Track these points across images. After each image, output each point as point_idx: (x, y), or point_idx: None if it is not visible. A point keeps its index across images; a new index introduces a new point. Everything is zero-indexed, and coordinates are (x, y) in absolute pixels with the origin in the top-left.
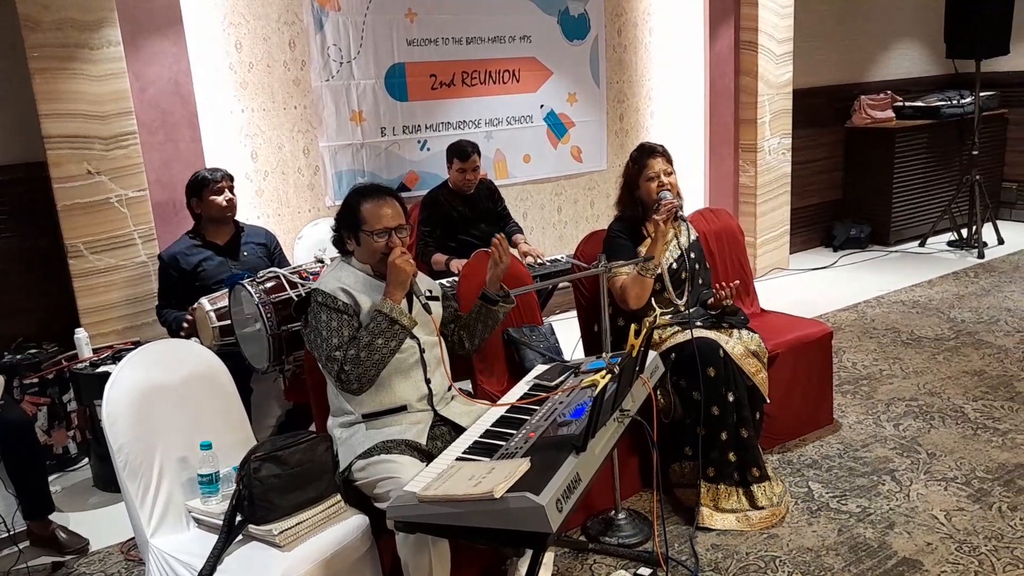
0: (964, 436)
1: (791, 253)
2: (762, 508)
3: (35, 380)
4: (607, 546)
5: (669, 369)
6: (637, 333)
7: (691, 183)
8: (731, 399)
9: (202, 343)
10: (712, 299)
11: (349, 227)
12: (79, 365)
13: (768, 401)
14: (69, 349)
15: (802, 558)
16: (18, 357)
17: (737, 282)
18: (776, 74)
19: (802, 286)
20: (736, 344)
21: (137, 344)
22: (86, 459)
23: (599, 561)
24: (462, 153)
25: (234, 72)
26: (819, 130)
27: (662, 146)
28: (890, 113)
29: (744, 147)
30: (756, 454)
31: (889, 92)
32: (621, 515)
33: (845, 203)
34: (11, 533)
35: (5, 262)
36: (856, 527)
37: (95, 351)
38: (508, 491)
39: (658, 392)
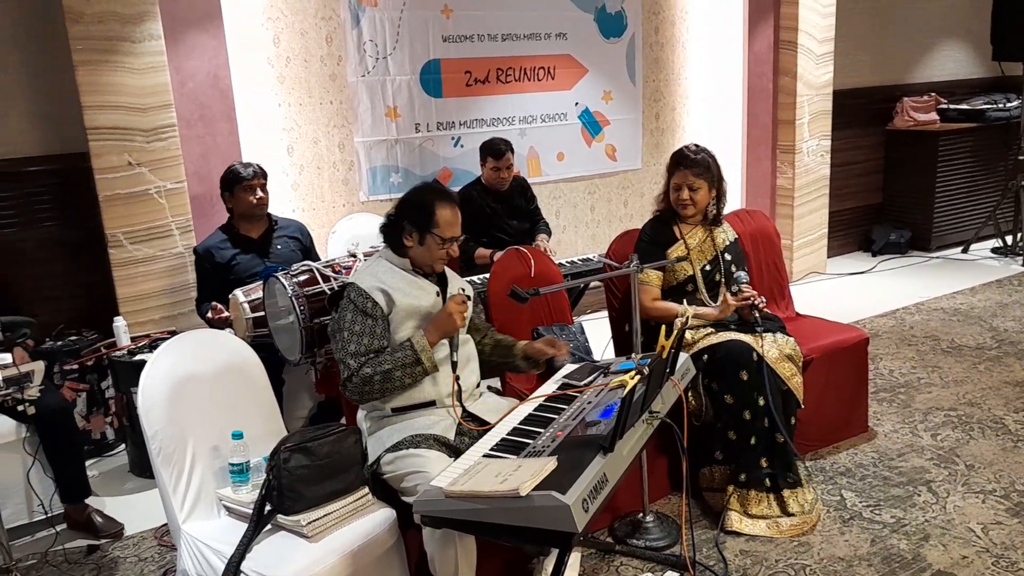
0: (1004, 448)
1: (829, 257)
2: (793, 515)
3: (75, 367)
4: (634, 548)
5: (701, 371)
6: (668, 334)
7: (728, 184)
8: (763, 403)
9: (236, 334)
10: (739, 295)
11: (418, 225)
12: (117, 353)
13: (803, 406)
14: (108, 337)
15: (833, 568)
16: (59, 344)
17: (761, 299)
18: (816, 74)
19: (839, 291)
20: (771, 347)
21: (173, 333)
22: (123, 445)
23: (625, 563)
24: (496, 151)
25: (272, 66)
26: (859, 132)
27: (702, 155)
28: (934, 116)
29: (782, 148)
30: (789, 459)
31: (933, 94)
32: (649, 518)
33: (885, 207)
34: (49, 516)
35: (48, 250)
36: (890, 538)
37: (133, 339)
38: (534, 489)
39: (689, 394)
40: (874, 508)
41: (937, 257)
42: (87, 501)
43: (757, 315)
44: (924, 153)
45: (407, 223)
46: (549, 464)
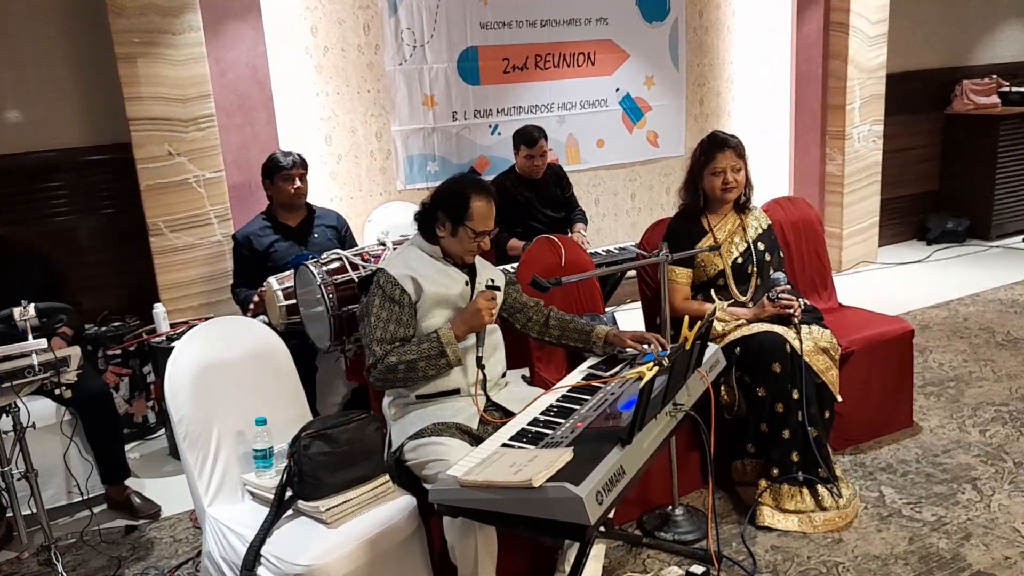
0: None
1: (880, 246)
2: (827, 510)
3: (118, 352)
4: (662, 541)
5: (734, 363)
6: (691, 325)
7: (775, 171)
8: (796, 396)
9: (270, 321)
10: (777, 303)
11: (452, 216)
12: (157, 339)
13: (839, 400)
14: (150, 323)
15: (867, 566)
16: (102, 329)
17: (800, 308)
18: (868, 57)
19: (890, 281)
20: (806, 340)
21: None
22: (163, 429)
23: (652, 556)
24: (529, 139)
25: (310, 56)
26: (915, 117)
27: (736, 138)
28: (995, 99)
29: (832, 134)
30: (824, 454)
31: (994, 77)
32: (678, 511)
33: (942, 194)
34: (85, 498)
35: (93, 238)
36: (929, 536)
37: (172, 326)
38: (548, 481)
39: (722, 387)
40: (914, 505)
41: (996, 246)
42: (126, 483)
43: (795, 322)
44: (984, 138)
45: (441, 213)
46: (564, 455)
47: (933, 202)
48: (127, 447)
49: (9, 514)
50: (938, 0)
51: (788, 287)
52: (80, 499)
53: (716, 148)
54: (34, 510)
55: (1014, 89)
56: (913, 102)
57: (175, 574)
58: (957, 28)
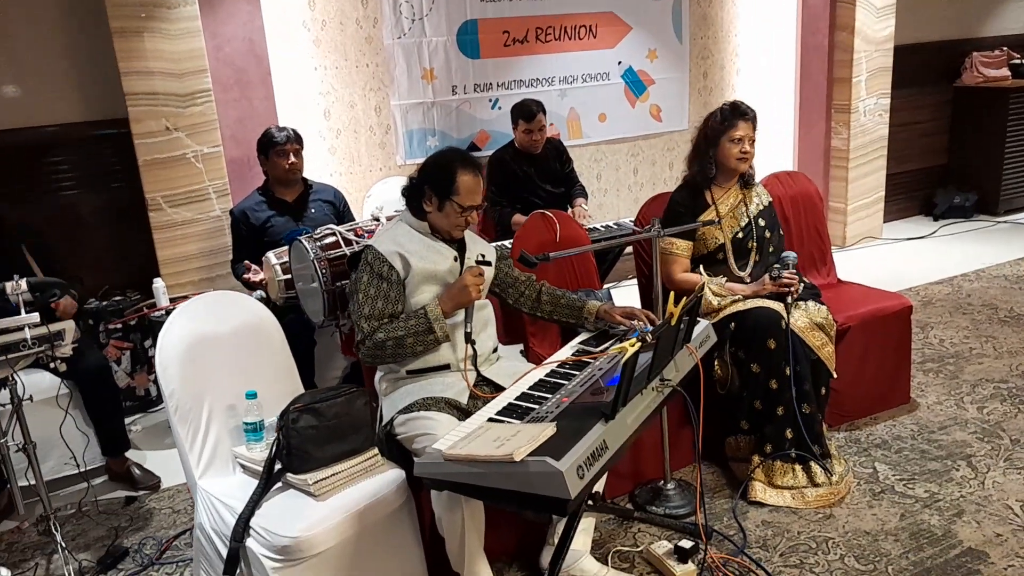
0: None
1: (886, 222)
2: (819, 486)
3: (118, 326)
4: (653, 515)
5: (728, 339)
6: (677, 301)
7: (779, 145)
8: (789, 373)
9: (269, 296)
10: (778, 282)
11: (438, 190)
12: (156, 313)
13: (835, 376)
14: (151, 297)
15: (857, 541)
16: (103, 304)
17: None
18: (876, 29)
19: (895, 257)
20: (801, 316)
21: None
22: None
23: (643, 530)
24: (527, 113)
25: (307, 30)
26: (923, 90)
27: (753, 111)
28: (1005, 71)
29: (837, 108)
30: (818, 431)
31: (1005, 48)
32: (670, 485)
33: (949, 169)
34: (81, 470)
35: (93, 214)
36: (921, 513)
37: (172, 300)
38: (529, 455)
39: (716, 362)
40: (907, 482)
41: (1004, 222)
42: (127, 455)
43: (789, 299)
44: (993, 112)
45: (428, 188)
46: (547, 430)
47: (940, 177)
48: (129, 420)
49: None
50: None
51: (794, 270)
52: (83, 469)
53: (737, 116)
54: (33, 482)
55: None
56: (921, 75)
57: (173, 544)
58: None
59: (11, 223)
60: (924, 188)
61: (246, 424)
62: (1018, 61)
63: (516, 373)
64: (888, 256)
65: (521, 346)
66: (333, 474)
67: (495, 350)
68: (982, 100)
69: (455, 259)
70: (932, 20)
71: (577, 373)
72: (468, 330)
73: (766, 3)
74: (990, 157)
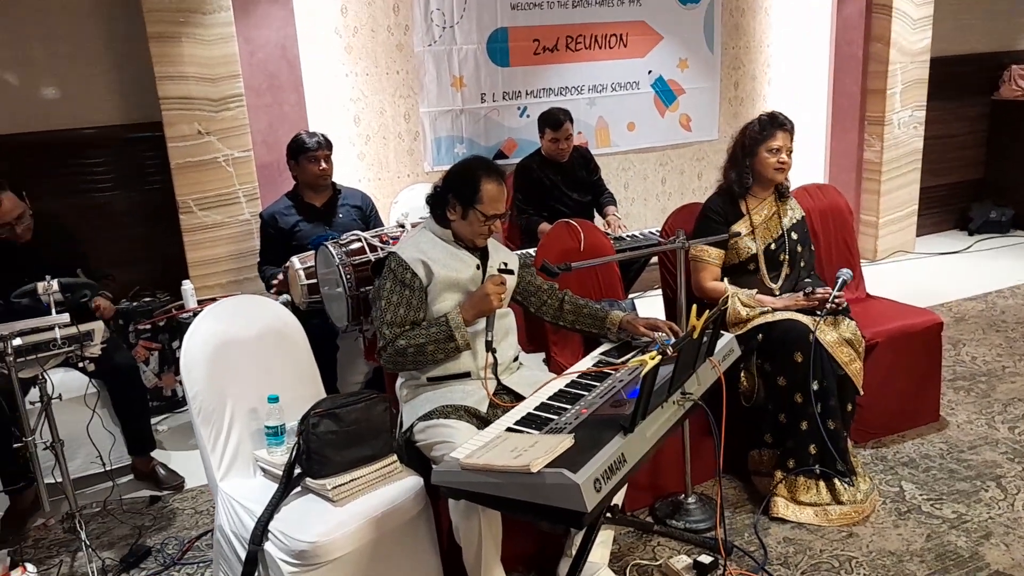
0: None
1: (920, 236)
2: (843, 504)
3: (147, 327)
4: (671, 529)
5: (755, 350)
6: (699, 314)
7: (811, 157)
8: (816, 388)
9: (293, 300)
10: (812, 297)
11: (462, 199)
12: (184, 315)
13: (861, 393)
14: (180, 299)
15: (881, 562)
16: (133, 304)
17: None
18: (912, 40)
19: (927, 271)
20: (829, 331)
21: None
22: None
23: (662, 544)
24: (554, 122)
25: (339, 36)
26: (960, 103)
27: (792, 122)
28: None
29: (871, 120)
30: (843, 447)
31: None
32: (691, 499)
33: (986, 183)
34: (107, 469)
35: (126, 214)
36: (948, 534)
37: (200, 302)
38: (546, 467)
39: (742, 374)
40: (935, 502)
41: None
42: (152, 454)
43: (820, 312)
44: None
45: (452, 196)
46: (565, 442)
47: (976, 191)
48: (156, 420)
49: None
50: None
51: (843, 288)
52: (109, 468)
53: (776, 126)
54: (60, 479)
55: None
56: (958, 87)
57: (194, 545)
58: (1006, 11)
59: (49, 218)
60: (960, 202)
61: (267, 428)
62: None
63: (536, 382)
64: (920, 271)
65: (544, 355)
66: (352, 480)
67: (516, 359)
68: (1021, 114)
69: (477, 267)
70: (970, 32)
71: (598, 384)
72: (489, 338)
73: (800, 13)
74: None
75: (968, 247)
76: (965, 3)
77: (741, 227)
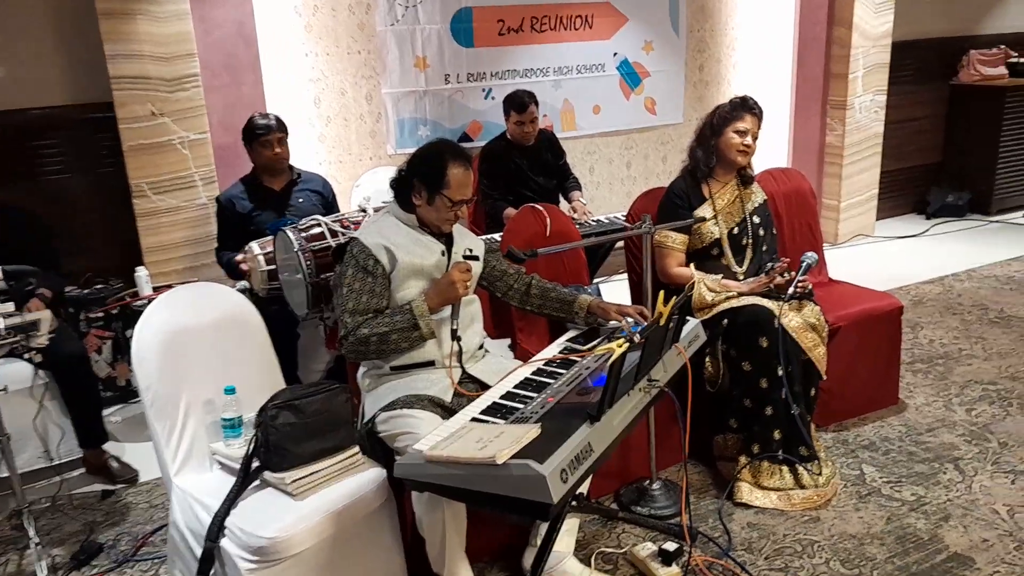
0: None
1: (880, 219)
2: (806, 488)
3: (100, 315)
4: (636, 516)
5: (720, 335)
6: (666, 300)
7: (774, 140)
8: (781, 373)
9: (252, 286)
10: (773, 276)
11: (428, 184)
12: (139, 302)
13: (824, 378)
14: (134, 286)
15: (843, 545)
16: (85, 292)
17: (786, 261)
18: (874, 24)
19: (886, 254)
20: (794, 316)
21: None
22: None
23: (628, 531)
24: (519, 104)
25: (299, 15)
26: (920, 87)
27: (761, 108)
28: (1003, 70)
29: (833, 104)
30: (807, 432)
31: (1003, 47)
32: (656, 485)
33: (944, 167)
34: (56, 462)
35: (77, 199)
36: (907, 516)
37: (155, 289)
38: (512, 458)
39: (706, 359)
40: (895, 485)
41: (997, 221)
42: (105, 447)
43: (784, 296)
44: (989, 110)
45: (417, 181)
46: (532, 432)
47: (935, 175)
48: (109, 411)
49: None
50: None
51: (805, 278)
52: (59, 462)
53: (746, 109)
54: (6, 474)
55: (1022, 60)
56: (918, 72)
57: (148, 540)
58: None
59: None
60: (918, 186)
61: (224, 420)
62: (1015, 60)
63: (502, 370)
64: (880, 254)
65: (509, 340)
66: (312, 473)
67: (481, 346)
68: (978, 98)
69: (442, 253)
70: (930, 16)
71: (564, 372)
72: (454, 326)
73: None
74: (985, 156)
75: (926, 231)
76: None
77: (704, 211)
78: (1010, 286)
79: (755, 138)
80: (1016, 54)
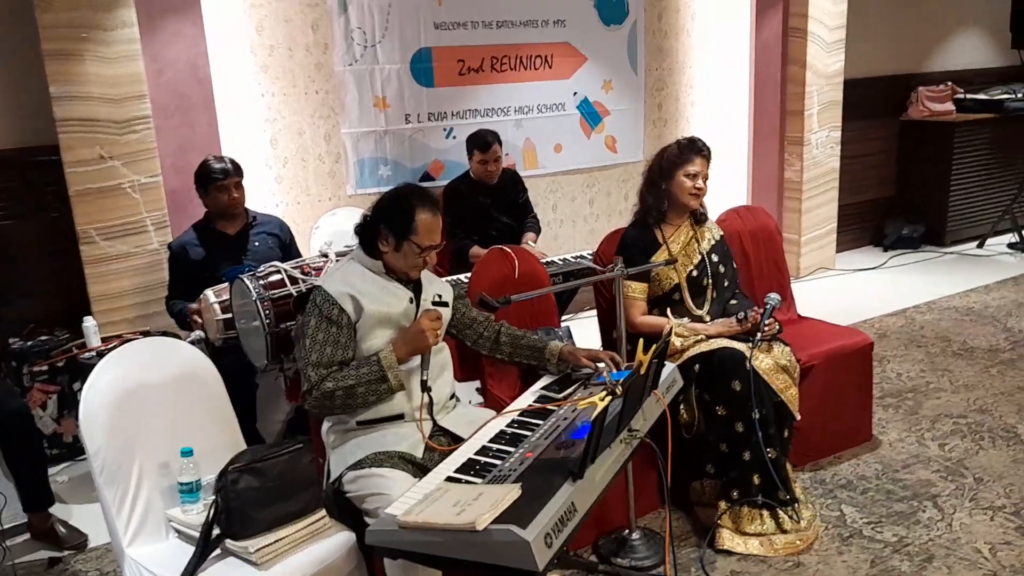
0: (1015, 460)
1: (838, 252)
2: (787, 532)
3: (44, 368)
4: (618, 568)
5: (693, 381)
6: (647, 348)
7: (733, 176)
8: (756, 416)
9: (207, 336)
10: (746, 325)
11: (396, 230)
12: (86, 355)
13: (798, 418)
14: (80, 336)
15: None
16: (28, 344)
17: (759, 310)
18: (826, 63)
19: (848, 288)
20: (765, 358)
21: (147, 334)
22: None
23: None
24: (482, 143)
25: (254, 55)
26: (872, 123)
27: (709, 149)
28: (950, 106)
29: (790, 140)
30: (784, 475)
31: (950, 83)
32: (635, 535)
33: (898, 200)
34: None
35: (19, 247)
36: (891, 559)
37: (104, 340)
38: (493, 523)
39: (681, 406)
40: (875, 525)
41: (951, 252)
42: (51, 510)
43: (758, 336)
44: (939, 145)
45: (384, 227)
46: (511, 493)
47: (889, 208)
48: (55, 470)
49: None
50: (894, 7)
51: (773, 310)
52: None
53: (694, 151)
54: None
55: (969, 96)
56: (870, 108)
57: None
58: (913, 35)
59: None
60: (874, 219)
61: (181, 484)
62: (962, 96)
63: (474, 421)
64: (842, 287)
65: (478, 383)
66: (277, 540)
67: (452, 395)
68: (928, 133)
69: (410, 300)
70: (880, 55)
71: (540, 422)
72: (424, 377)
73: (720, 36)
74: (936, 189)
75: (884, 263)
76: (874, 29)
77: (661, 257)
78: (970, 317)
79: (706, 179)
80: (962, 90)
